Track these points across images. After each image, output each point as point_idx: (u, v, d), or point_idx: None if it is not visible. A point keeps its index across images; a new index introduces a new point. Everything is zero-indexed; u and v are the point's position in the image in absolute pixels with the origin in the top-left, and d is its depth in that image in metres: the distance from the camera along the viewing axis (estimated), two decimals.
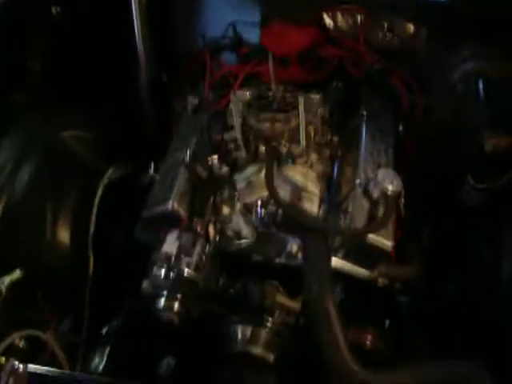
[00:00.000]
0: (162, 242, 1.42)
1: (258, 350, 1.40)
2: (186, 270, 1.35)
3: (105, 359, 1.54)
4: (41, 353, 1.40)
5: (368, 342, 1.41)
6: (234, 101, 1.46)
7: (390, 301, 1.50)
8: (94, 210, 1.68)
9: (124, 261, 1.70)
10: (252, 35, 1.84)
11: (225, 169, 1.48)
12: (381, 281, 1.44)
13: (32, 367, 1.15)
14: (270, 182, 1.41)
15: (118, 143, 1.92)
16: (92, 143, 1.85)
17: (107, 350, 1.56)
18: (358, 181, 1.44)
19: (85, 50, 1.91)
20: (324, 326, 1.16)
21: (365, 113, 1.68)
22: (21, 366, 1.14)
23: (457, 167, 1.61)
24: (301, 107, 1.42)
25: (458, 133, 1.61)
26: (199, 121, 1.66)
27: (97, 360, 1.56)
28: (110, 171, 1.78)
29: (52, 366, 1.32)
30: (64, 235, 1.65)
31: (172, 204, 1.45)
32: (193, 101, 1.77)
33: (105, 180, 1.76)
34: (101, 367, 1.53)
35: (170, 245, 1.38)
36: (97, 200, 1.70)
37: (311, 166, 1.56)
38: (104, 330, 1.61)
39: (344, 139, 1.63)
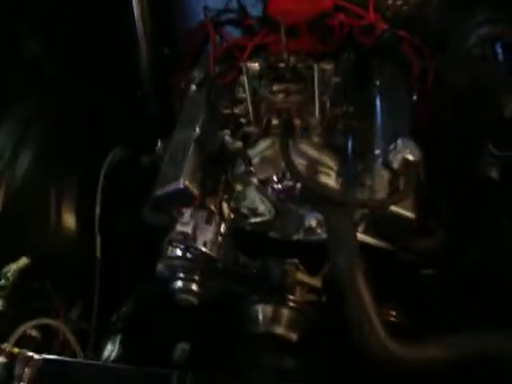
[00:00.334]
0: (175, 221, 1.35)
1: (280, 330, 1.33)
2: (203, 248, 1.28)
3: (117, 346, 1.49)
4: (53, 342, 1.33)
5: (392, 317, 1.35)
6: (245, 72, 1.39)
7: (412, 274, 1.43)
8: (99, 192, 1.61)
9: (132, 244, 1.63)
10: (256, 8, 1.76)
11: (237, 144, 1.41)
12: (402, 254, 1.38)
13: (47, 357, 1.09)
14: (286, 155, 1.35)
15: (119, 123, 1.85)
16: (93, 124, 1.76)
17: (119, 337, 1.51)
18: (376, 151, 1.38)
19: (81, 26, 1.83)
20: (354, 302, 1.10)
21: (378, 83, 1.61)
22: (35, 356, 1.07)
23: (474, 135, 1.54)
24: (316, 76, 1.35)
25: (475, 99, 1.54)
26: (206, 96, 1.58)
27: (109, 348, 1.51)
28: (113, 152, 1.70)
29: (65, 356, 1.27)
30: (69, 219, 1.60)
31: (183, 181, 1.38)
32: (197, 75, 1.68)
33: (108, 161, 1.68)
34: (114, 355, 1.48)
35: (185, 223, 1.32)
36: (101, 182, 1.63)
37: (326, 139, 1.49)
38: (115, 317, 1.56)
39: (358, 110, 1.56)
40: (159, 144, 1.66)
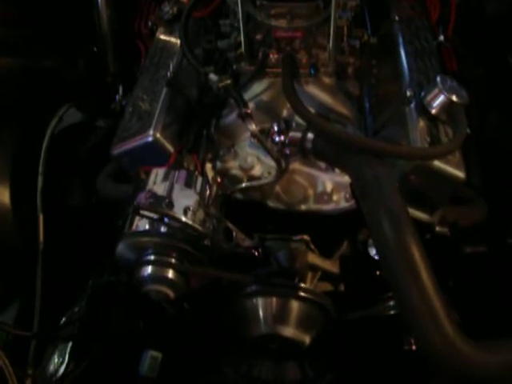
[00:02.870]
0: (141, 185, 0.98)
1: (289, 332, 0.98)
2: (183, 218, 0.91)
3: (67, 358, 1.14)
4: None
5: None
6: None
7: (452, 252, 1.15)
8: (42, 158, 1.24)
9: (85, 224, 1.27)
10: None
11: (226, 81, 1.05)
12: (439, 227, 1.09)
13: None
14: (291, 95, 1.00)
15: (72, 74, 1.54)
16: (39, 73, 1.44)
17: (69, 346, 1.15)
18: (408, 92, 1.04)
19: None
20: (411, 284, 0.75)
21: (397, 17, 1.28)
22: None
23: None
24: None
25: None
26: (180, 31, 1.22)
27: (56, 360, 1.15)
28: (63, 109, 1.34)
29: None
30: (3, 193, 1.21)
31: (154, 133, 1.03)
32: (168, 10, 1.33)
33: (55, 120, 1.32)
34: (62, 369, 1.12)
35: (157, 184, 0.95)
36: (45, 145, 1.26)
37: (338, 80, 1.15)
38: (64, 319, 1.20)
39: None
40: (117, 98, 1.31)
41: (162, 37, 1.35)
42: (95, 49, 1.57)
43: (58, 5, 1.49)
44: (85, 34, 1.55)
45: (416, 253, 0.78)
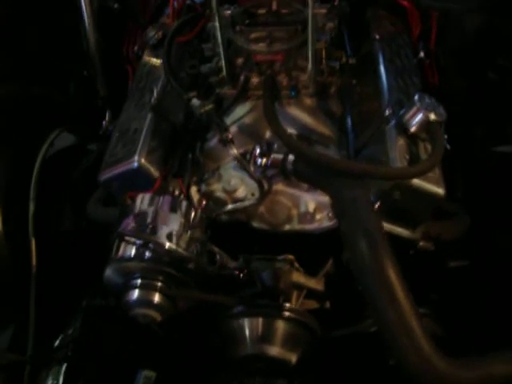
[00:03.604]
0: (127, 210, 1.00)
1: (274, 351, 0.99)
2: (168, 243, 0.93)
3: (61, 380, 1.14)
4: None
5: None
6: (215, 7, 1.05)
7: (437, 267, 1.16)
8: (33, 185, 1.26)
9: (77, 247, 1.28)
10: None
11: (208, 106, 1.07)
12: (422, 243, 1.10)
13: None
14: (273, 120, 1.02)
15: (63, 99, 1.55)
16: (29, 99, 1.45)
17: (64, 367, 1.15)
18: (387, 111, 1.06)
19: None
20: (387, 303, 0.77)
21: (377, 36, 1.30)
22: None
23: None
24: (310, 11, 1.02)
25: None
26: (164, 55, 1.24)
27: (50, 382, 1.15)
28: (54, 134, 1.36)
29: None
30: None
31: (139, 159, 1.05)
32: (153, 35, 1.35)
33: (46, 145, 1.34)
34: None
35: (141, 210, 0.97)
36: (36, 169, 1.28)
37: (320, 100, 1.17)
38: (57, 342, 1.20)
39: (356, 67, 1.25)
40: (104, 123, 1.33)
41: (148, 61, 1.37)
42: (85, 73, 1.59)
43: (46, 29, 1.51)
44: (74, 58, 1.57)
45: (392, 273, 0.80)
